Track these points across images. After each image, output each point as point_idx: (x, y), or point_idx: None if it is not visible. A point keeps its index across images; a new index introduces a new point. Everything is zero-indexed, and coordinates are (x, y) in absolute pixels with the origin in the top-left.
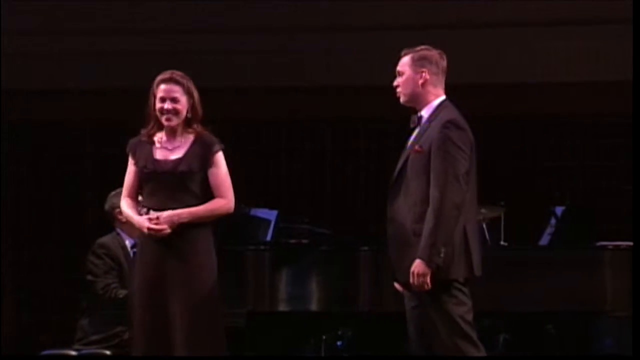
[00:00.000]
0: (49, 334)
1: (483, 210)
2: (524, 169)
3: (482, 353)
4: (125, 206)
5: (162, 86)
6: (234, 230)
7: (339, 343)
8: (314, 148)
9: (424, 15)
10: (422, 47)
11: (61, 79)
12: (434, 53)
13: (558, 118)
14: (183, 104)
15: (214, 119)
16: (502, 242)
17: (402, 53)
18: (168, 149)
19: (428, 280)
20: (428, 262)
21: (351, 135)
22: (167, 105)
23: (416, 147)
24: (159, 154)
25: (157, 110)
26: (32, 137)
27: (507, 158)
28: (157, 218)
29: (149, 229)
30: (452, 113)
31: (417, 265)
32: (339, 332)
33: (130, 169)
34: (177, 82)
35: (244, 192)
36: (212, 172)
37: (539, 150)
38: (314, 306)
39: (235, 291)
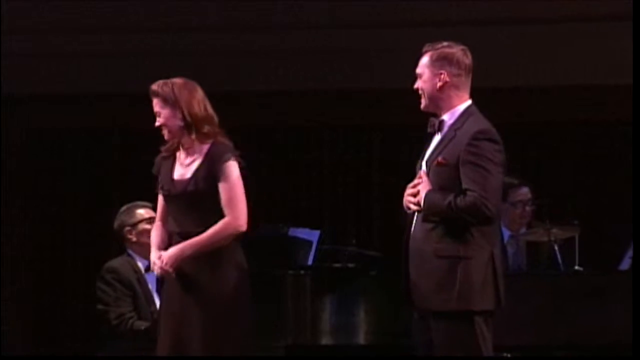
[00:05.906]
0: None
1: (554, 230)
2: (601, 183)
3: None
4: (152, 233)
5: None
6: (270, 252)
7: None
8: (360, 159)
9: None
10: (443, 44)
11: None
12: (455, 50)
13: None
14: (166, 116)
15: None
16: (576, 267)
17: (423, 50)
18: (185, 165)
19: (413, 202)
20: (429, 201)
21: (402, 145)
22: (157, 121)
23: (439, 158)
24: (176, 173)
25: None
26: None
27: (581, 171)
28: (160, 258)
29: (158, 271)
30: (482, 122)
31: (427, 193)
32: None
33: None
34: (156, 95)
35: (281, 210)
36: (221, 186)
37: (616, 161)
38: (361, 339)
39: (273, 321)
